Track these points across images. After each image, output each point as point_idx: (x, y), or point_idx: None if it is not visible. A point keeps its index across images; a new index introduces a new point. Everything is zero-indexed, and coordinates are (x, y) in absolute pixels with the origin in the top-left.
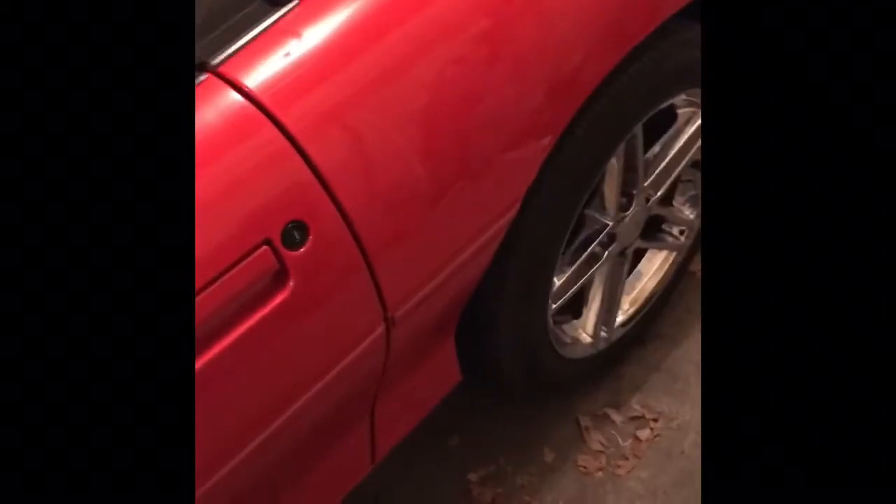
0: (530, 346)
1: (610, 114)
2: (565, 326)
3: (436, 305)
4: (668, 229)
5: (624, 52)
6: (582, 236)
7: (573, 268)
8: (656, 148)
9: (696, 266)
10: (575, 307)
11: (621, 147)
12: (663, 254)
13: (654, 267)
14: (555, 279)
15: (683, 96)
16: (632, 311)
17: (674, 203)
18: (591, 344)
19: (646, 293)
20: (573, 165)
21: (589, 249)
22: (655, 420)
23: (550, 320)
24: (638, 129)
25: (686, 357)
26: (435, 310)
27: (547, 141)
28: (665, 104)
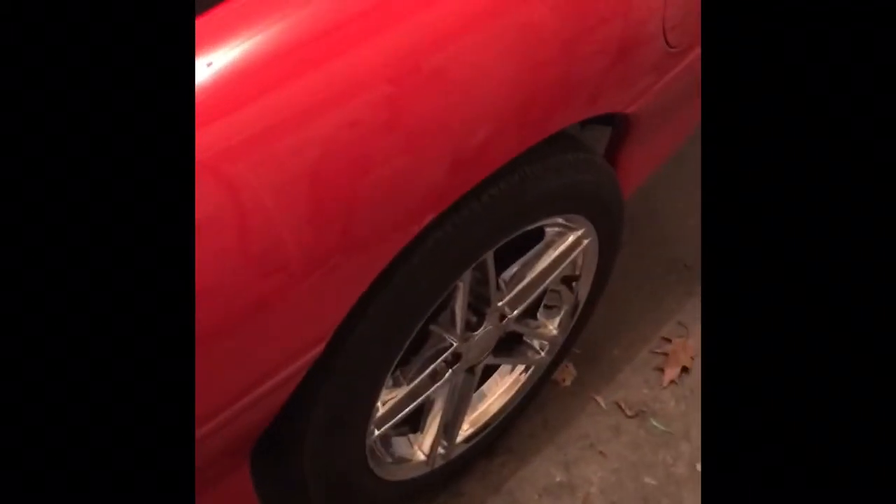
0: (343, 473)
1: (456, 240)
2: (398, 443)
3: (236, 425)
4: (528, 342)
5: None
6: (426, 353)
7: (410, 386)
8: (514, 268)
9: (561, 375)
10: (414, 420)
11: (467, 272)
12: (514, 374)
13: (500, 388)
14: (379, 404)
15: (559, 219)
16: (470, 432)
17: (538, 317)
18: (426, 462)
19: (488, 415)
20: (406, 289)
21: (430, 368)
22: None
23: (369, 445)
24: (489, 256)
25: (530, 479)
26: (233, 432)
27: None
28: (520, 232)
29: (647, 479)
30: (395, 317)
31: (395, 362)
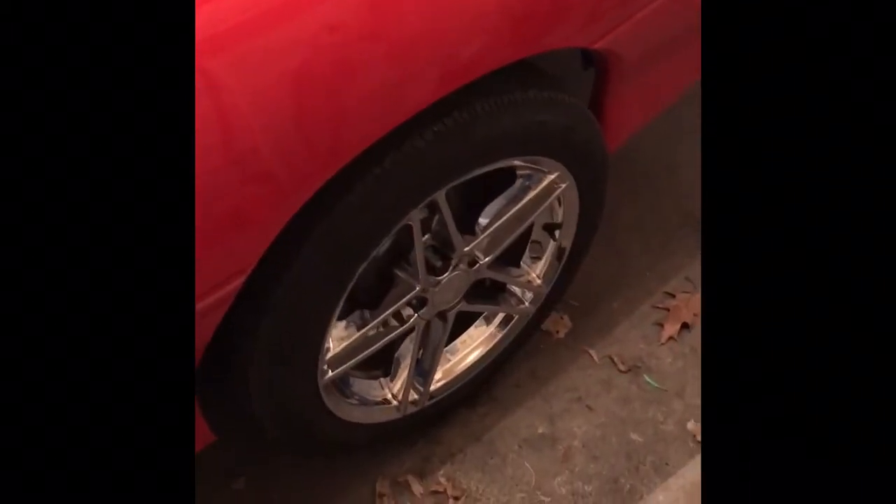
0: (295, 409)
1: (396, 177)
2: (361, 385)
3: None
4: (511, 291)
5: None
6: (392, 296)
7: (367, 328)
8: (489, 212)
9: (555, 326)
10: (388, 365)
11: (415, 212)
12: (490, 328)
13: (476, 340)
14: (331, 343)
15: (518, 161)
16: (442, 383)
17: (521, 265)
18: (396, 408)
19: (463, 366)
20: (344, 225)
21: (391, 310)
22: (457, 499)
23: (324, 384)
24: (440, 196)
25: (512, 430)
26: None
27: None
28: (474, 174)
29: (634, 436)
30: (334, 254)
31: (340, 301)
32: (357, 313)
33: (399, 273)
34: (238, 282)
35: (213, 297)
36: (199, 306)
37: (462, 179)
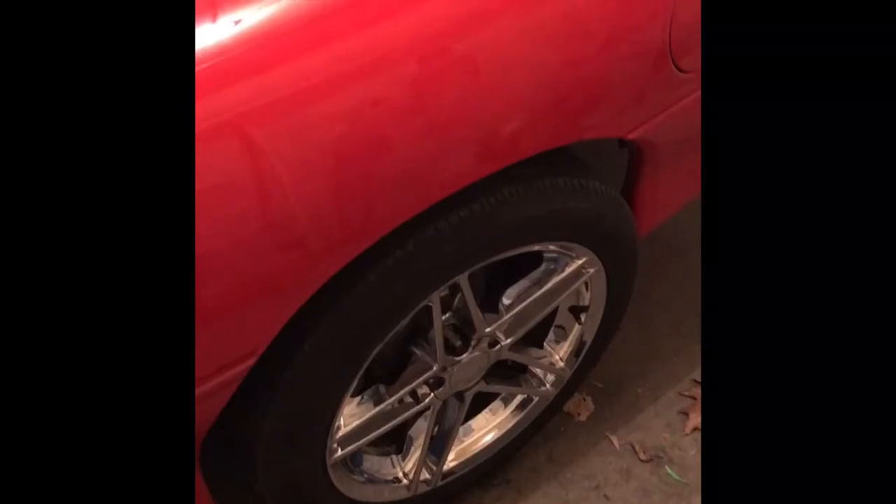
0: (301, 488)
1: (418, 260)
2: (373, 462)
3: None
4: (533, 372)
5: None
6: (408, 375)
7: (381, 406)
8: (513, 293)
9: (577, 408)
10: (401, 442)
11: (436, 294)
12: (507, 410)
13: (493, 421)
14: (342, 422)
15: (541, 246)
16: (455, 463)
17: (544, 346)
18: (407, 487)
19: (478, 447)
20: (361, 306)
21: (407, 388)
22: None
23: (332, 462)
24: (462, 278)
25: None
26: None
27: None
28: (499, 258)
29: None
30: (349, 335)
31: (353, 381)
32: (371, 389)
33: (417, 351)
34: (250, 362)
35: (223, 377)
36: (206, 386)
37: (486, 263)
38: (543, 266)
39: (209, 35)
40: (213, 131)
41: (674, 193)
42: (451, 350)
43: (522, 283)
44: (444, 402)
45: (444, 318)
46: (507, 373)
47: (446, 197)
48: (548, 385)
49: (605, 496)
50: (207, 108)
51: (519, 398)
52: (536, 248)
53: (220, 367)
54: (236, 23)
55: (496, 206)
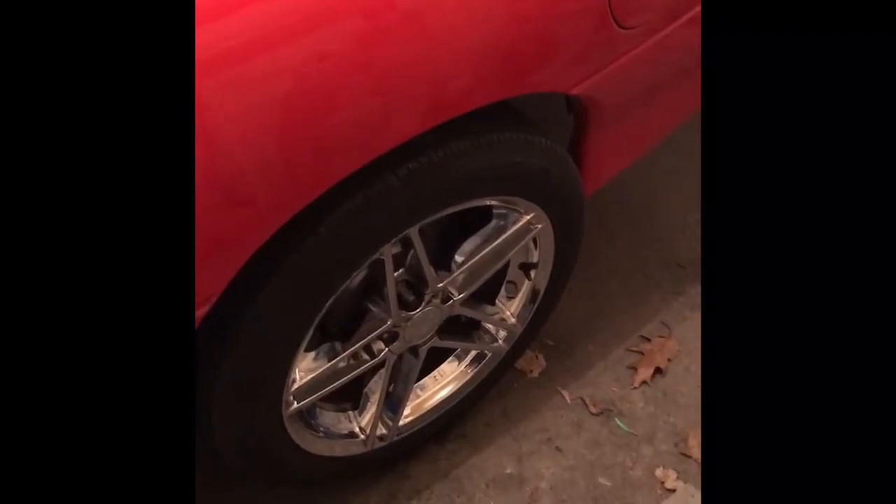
0: (258, 441)
1: (368, 213)
2: (328, 417)
3: None
4: (486, 328)
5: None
6: (363, 329)
7: (335, 360)
8: (466, 248)
9: (529, 365)
10: (357, 397)
11: (387, 248)
12: (461, 366)
13: (447, 377)
14: (298, 375)
15: (493, 201)
16: (411, 418)
17: (496, 303)
18: (363, 442)
19: (433, 402)
20: (313, 257)
21: (362, 343)
22: None
23: (288, 415)
24: (413, 232)
25: (480, 468)
26: None
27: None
28: (448, 212)
29: (602, 480)
30: (302, 286)
31: (307, 333)
32: (327, 345)
33: (371, 307)
34: (203, 310)
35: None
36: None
37: (436, 217)
38: (493, 222)
39: None
40: None
41: (619, 152)
42: (405, 305)
43: (474, 240)
44: (399, 358)
45: (397, 274)
46: (461, 329)
47: (393, 149)
48: (500, 341)
49: (558, 448)
50: None
51: (472, 354)
52: (484, 202)
53: None
54: None
55: (444, 160)
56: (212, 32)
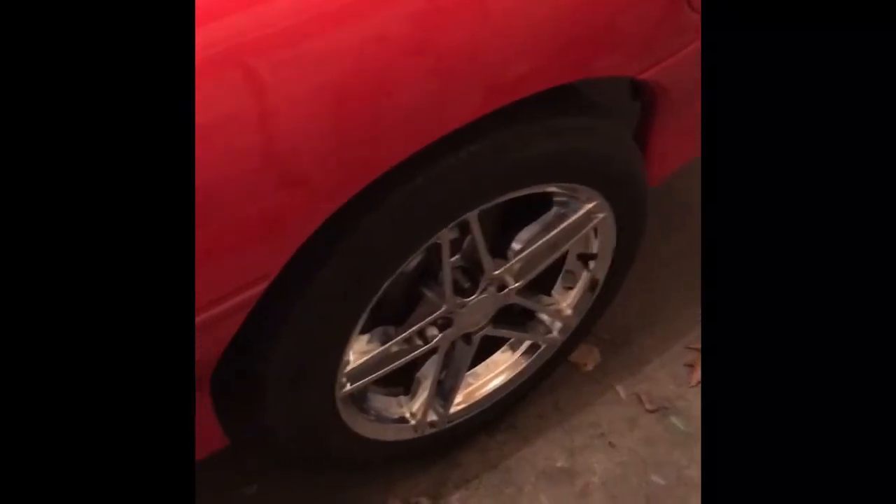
0: (310, 420)
1: (427, 195)
2: (380, 401)
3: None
4: (540, 319)
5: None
6: (418, 314)
7: (390, 343)
8: (523, 236)
9: (583, 359)
10: (409, 382)
11: (445, 232)
12: (514, 355)
13: (500, 366)
14: (351, 357)
15: (554, 188)
16: (462, 406)
17: (552, 293)
18: (414, 427)
19: (485, 391)
20: (371, 239)
21: (416, 328)
22: None
23: (341, 397)
24: (471, 217)
25: (530, 460)
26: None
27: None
28: (508, 197)
29: (655, 478)
30: (359, 268)
31: (363, 315)
32: (381, 329)
33: (426, 291)
34: (261, 287)
35: (234, 300)
36: (219, 309)
37: (495, 202)
38: (554, 210)
39: None
40: (214, 61)
41: (685, 140)
42: (460, 292)
43: (532, 228)
44: (452, 345)
45: (453, 259)
46: (515, 318)
47: (452, 132)
48: (555, 332)
49: (611, 444)
50: (208, 36)
51: (526, 344)
52: (545, 188)
53: (230, 290)
54: None
55: (504, 144)
56: (269, 13)
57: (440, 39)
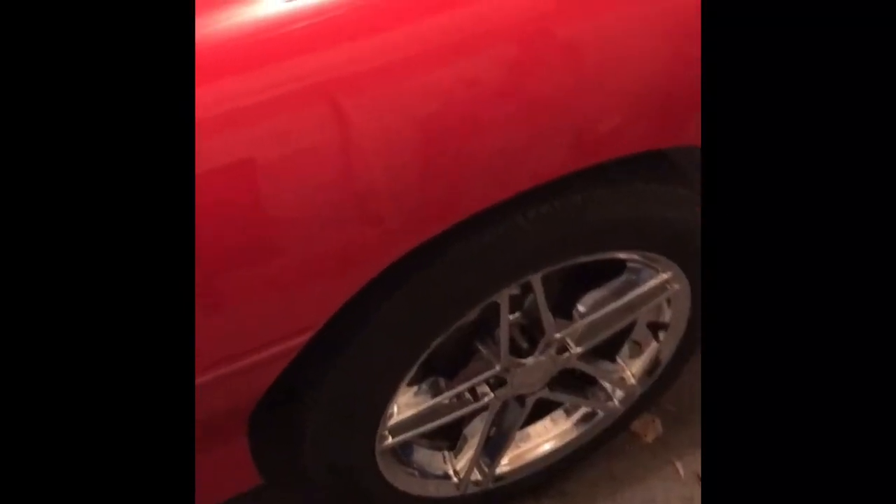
0: (348, 471)
1: (487, 253)
2: (424, 455)
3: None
4: (601, 385)
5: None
6: (470, 370)
7: (437, 399)
8: (589, 300)
9: (644, 429)
10: (454, 438)
11: (505, 292)
12: (568, 421)
13: (552, 431)
14: (395, 409)
15: (625, 255)
16: (509, 468)
17: (616, 360)
18: (456, 485)
19: (534, 455)
20: (428, 292)
21: (466, 384)
22: None
23: (381, 449)
24: (534, 279)
25: None
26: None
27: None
28: (577, 261)
29: None
30: (412, 319)
31: (412, 368)
32: (430, 380)
33: (481, 347)
34: (315, 330)
35: (282, 346)
36: (264, 354)
37: (563, 265)
38: (625, 276)
39: None
40: (301, 94)
41: None
42: (517, 351)
43: (600, 292)
44: (504, 404)
45: (513, 317)
46: (574, 382)
47: (532, 188)
48: (616, 401)
49: None
50: (297, 69)
51: (583, 411)
52: (619, 256)
53: (274, 338)
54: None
55: (582, 205)
56: (362, 49)
57: (531, 88)
